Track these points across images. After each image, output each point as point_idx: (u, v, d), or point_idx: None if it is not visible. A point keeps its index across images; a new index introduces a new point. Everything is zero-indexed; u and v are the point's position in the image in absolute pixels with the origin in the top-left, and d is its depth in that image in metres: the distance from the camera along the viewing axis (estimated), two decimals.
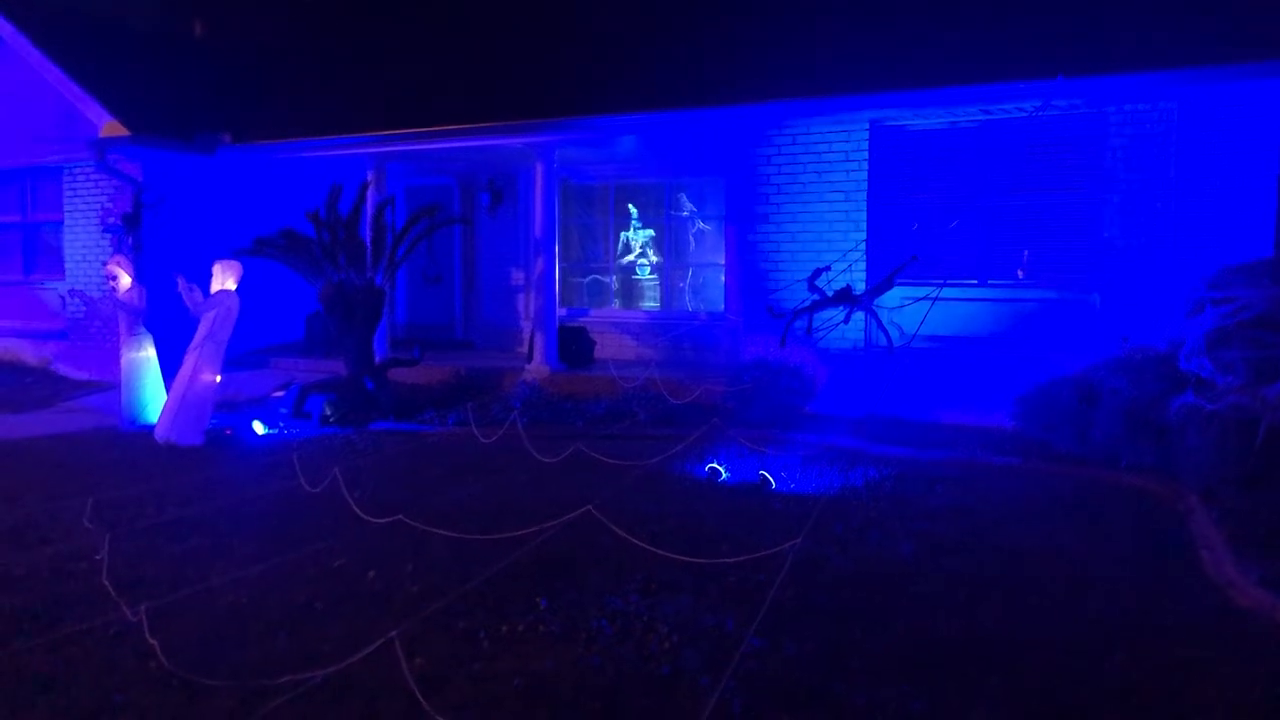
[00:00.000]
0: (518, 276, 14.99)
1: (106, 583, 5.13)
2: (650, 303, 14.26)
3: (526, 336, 13.66)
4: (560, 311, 13.03)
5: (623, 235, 14.32)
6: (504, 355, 14.00)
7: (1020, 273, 10.35)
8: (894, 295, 10.29)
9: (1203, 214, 9.31)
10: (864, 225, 10.75)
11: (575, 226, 14.67)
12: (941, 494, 7.09)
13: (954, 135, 10.54)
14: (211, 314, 9.48)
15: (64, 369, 14.59)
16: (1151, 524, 6.34)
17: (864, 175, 10.74)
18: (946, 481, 7.44)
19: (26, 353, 15.09)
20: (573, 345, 12.61)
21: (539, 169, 12.27)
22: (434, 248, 14.74)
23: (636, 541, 5.35)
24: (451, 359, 13.36)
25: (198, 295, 9.48)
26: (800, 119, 10.89)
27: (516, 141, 12.11)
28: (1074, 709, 3.74)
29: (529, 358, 12.49)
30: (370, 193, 12.74)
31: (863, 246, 10.68)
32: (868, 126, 10.69)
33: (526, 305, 14.61)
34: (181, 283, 9.44)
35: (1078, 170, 10.02)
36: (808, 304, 10.37)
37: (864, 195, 10.75)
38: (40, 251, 15.25)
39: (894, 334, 10.29)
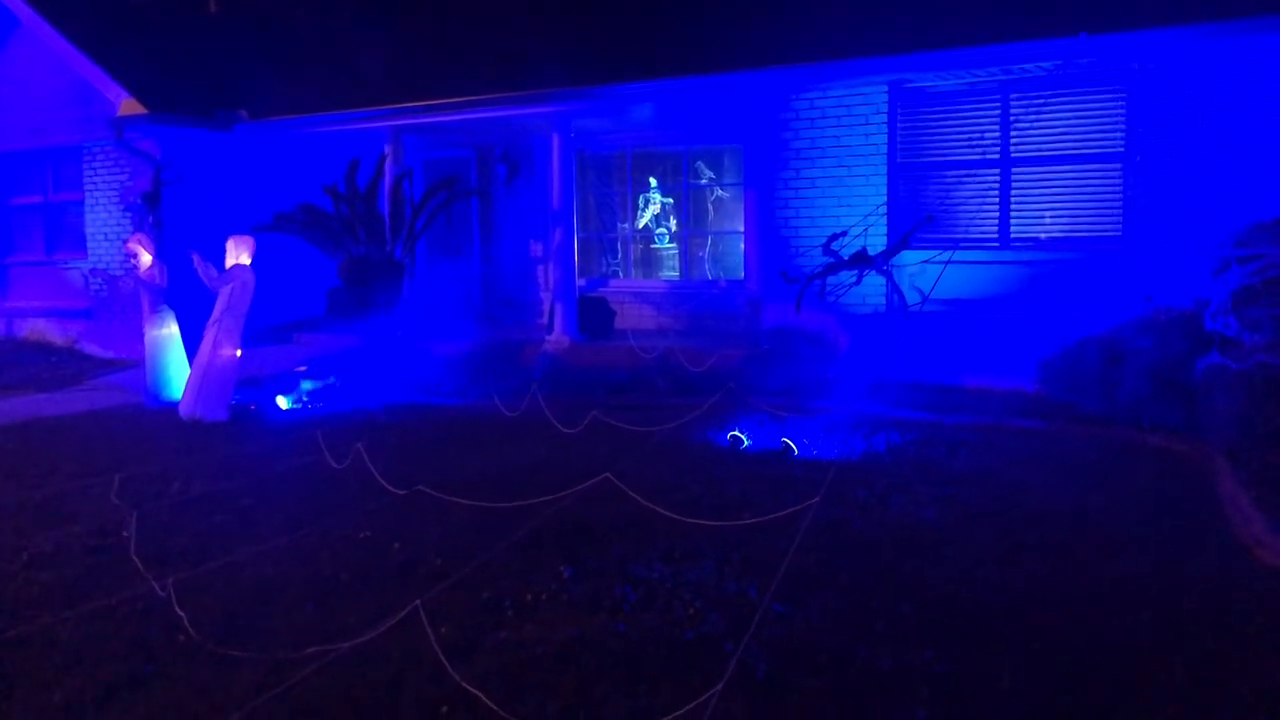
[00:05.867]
0: (536, 248, 14.95)
1: (135, 557, 5.18)
2: (669, 272, 14.21)
3: (546, 308, 13.65)
4: (579, 282, 13.00)
5: (641, 204, 14.26)
6: (524, 327, 14.00)
7: (1042, 234, 10.24)
8: (914, 258, 10.22)
9: (1229, 171, 9.17)
10: (884, 188, 10.66)
11: (593, 197, 14.62)
12: (965, 458, 7.06)
13: (975, 95, 10.41)
14: (228, 289, 9.50)
15: (90, 348, 14.71)
16: (1178, 485, 6.30)
17: (884, 138, 10.64)
18: (970, 445, 7.40)
19: (53, 332, 15.21)
20: (592, 316, 12.59)
21: (555, 139, 12.21)
22: (452, 220, 14.73)
23: (659, 509, 5.36)
24: (471, 331, 13.35)
25: (212, 271, 9.50)
26: (818, 83, 10.78)
27: (532, 112, 12.05)
28: (1102, 670, 3.72)
29: (549, 329, 12.48)
30: (388, 166, 12.74)
31: (883, 209, 10.60)
32: (887, 89, 10.58)
33: (545, 276, 14.59)
34: (197, 259, 9.46)
35: (1101, 129, 9.88)
36: (821, 268, 10.33)
37: (884, 158, 10.65)
38: (63, 231, 15.35)
39: (914, 297, 10.22)
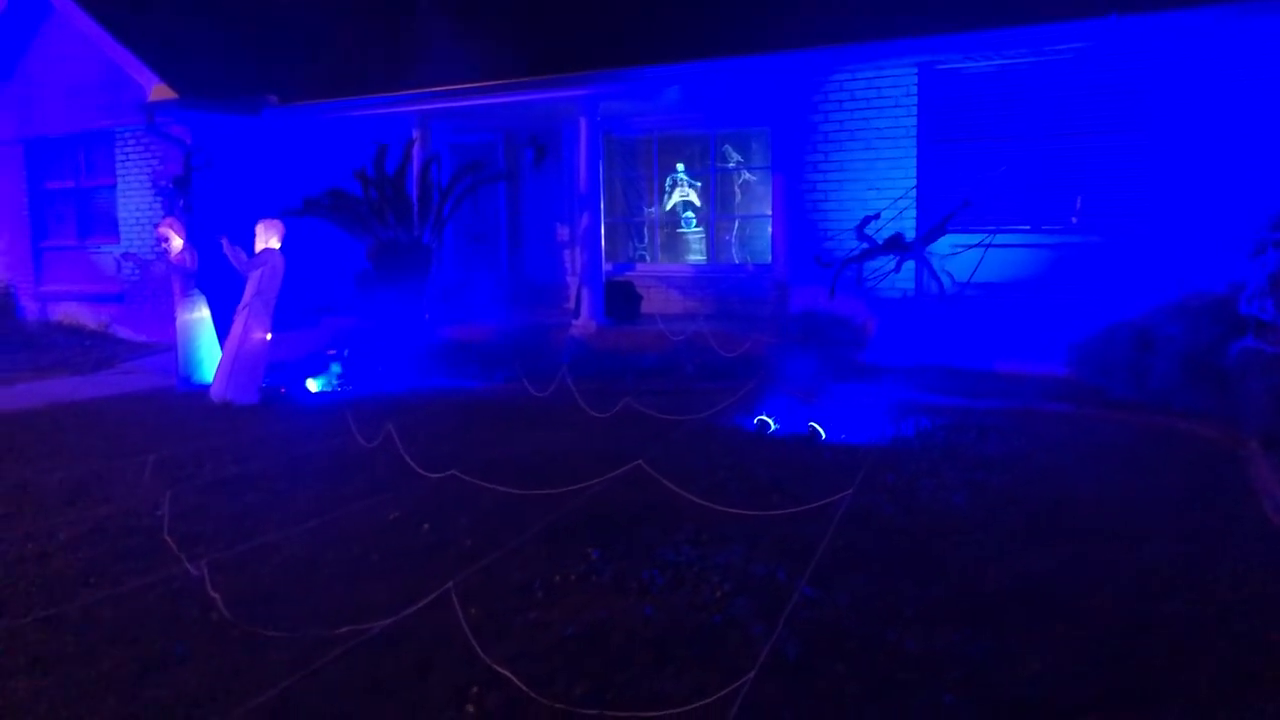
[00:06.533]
0: (563, 232, 14.96)
1: (168, 538, 5.24)
2: (696, 256, 14.18)
3: (573, 292, 13.66)
4: (606, 266, 12.99)
5: (668, 188, 14.22)
6: (551, 311, 14.02)
7: (1074, 218, 10.14)
8: (945, 242, 10.16)
9: (1264, 154, 9.03)
10: (914, 172, 10.58)
11: (619, 180, 14.60)
12: (995, 443, 7.01)
13: (1005, 77, 10.30)
14: (257, 273, 9.56)
15: (122, 331, 14.87)
16: (1210, 470, 6.23)
17: (913, 121, 10.55)
18: (1000, 430, 7.36)
19: (85, 316, 15.39)
20: (619, 300, 12.59)
21: (582, 123, 12.19)
22: (479, 205, 14.75)
23: (687, 494, 5.37)
24: (499, 315, 13.39)
25: (242, 255, 9.56)
26: (847, 65, 10.70)
27: (559, 95, 12.03)
28: (1132, 654, 3.70)
29: (576, 313, 12.49)
30: (415, 150, 12.77)
31: (913, 193, 10.52)
32: (916, 71, 10.48)
33: (572, 260, 14.60)
34: (225, 244, 9.52)
35: (1134, 111, 9.76)
36: (857, 253, 10.30)
37: (914, 141, 10.57)
38: (95, 216, 15.50)
39: (945, 281, 10.16)
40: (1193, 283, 8.58)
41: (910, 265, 10.33)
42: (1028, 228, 10.28)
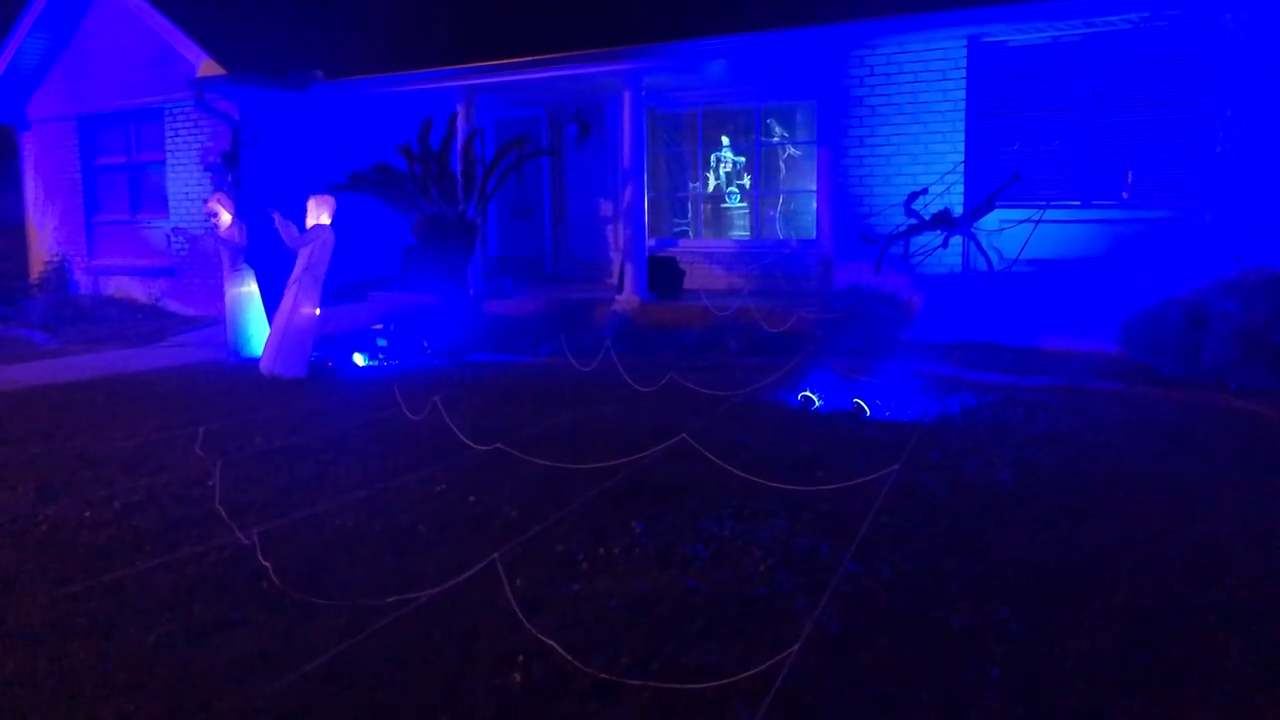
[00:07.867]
0: (606, 207, 14.95)
1: (220, 507, 5.34)
2: (740, 231, 14.12)
3: (616, 267, 13.66)
4: (649, 242, 12.96)
5: (711, 163, 14.15)
6: (594, 286, 14.04)
7: (1125, 193, 9.97)
8: (993, 218, 10.05)
9: None
10: (962, 146, 10.44)
11: (663, 155, 14.55)
12: (1042, 420, 6.94)
13: (1056, 50, 10.13)
14: (308, 248, 9.66)
15: (172, 305, 15.10)
16: (1264, 449, 6.13)
17: (962, 95, 10.41)
18: (1048, 408, 7.28)
19: (136, 290, 15.64)
20: (662, 275, 12.57)
21: (626, 97, 12.14)
22: (523, 180, 14.76)
23: (730, 468, 5.37)
24: (542, 291, 13.45)
25: (293, 230, 9.66)
26: (894, 37, 10.57)
27: (603, 70, 11.99)
28: (1181, 633, 3.66)
29: (619, 288, 12.49)
30: (459, 125, 12.79)
31: (961, 168, 10.39)
32: (965, 44, 10.33)
33: (615, 236, 14.59)
34: (277, 218, 9.62)
35: (1188, 83, 9.56)
36: (904, 228, 10.21)
37: (962, 115, 10.43)
38: (145, 191, 15.73)
39: (994, 258, 10.04)
40: (1250, 259, 8.41)
41: (957, 241, 10.22)
42: (1078, 203, 10.13)
